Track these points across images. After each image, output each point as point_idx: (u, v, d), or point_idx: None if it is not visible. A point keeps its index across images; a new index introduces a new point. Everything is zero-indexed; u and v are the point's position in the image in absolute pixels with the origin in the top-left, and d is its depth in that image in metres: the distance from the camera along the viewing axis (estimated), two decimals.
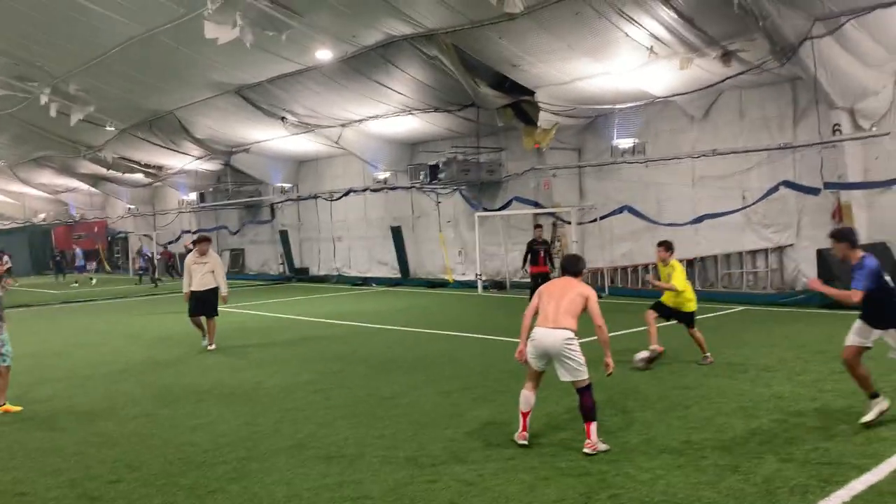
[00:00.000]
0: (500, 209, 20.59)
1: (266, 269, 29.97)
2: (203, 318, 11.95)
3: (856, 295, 6.07)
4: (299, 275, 27.55)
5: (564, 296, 6.02)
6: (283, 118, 21.11)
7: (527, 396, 6.06)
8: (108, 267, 40.37)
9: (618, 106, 16.70)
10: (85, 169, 31.74)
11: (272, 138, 23.60)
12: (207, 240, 12.36)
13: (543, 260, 15.86)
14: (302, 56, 16.75)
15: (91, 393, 9.03)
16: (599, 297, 6.60)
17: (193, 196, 30.72)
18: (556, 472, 5.38)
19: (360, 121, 20.66)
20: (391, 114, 19.73)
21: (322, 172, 26.62)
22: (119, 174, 30.76)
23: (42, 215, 43.30)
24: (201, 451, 6.37)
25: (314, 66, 17.34)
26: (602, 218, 18.43)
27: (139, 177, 30.54)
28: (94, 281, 31.22)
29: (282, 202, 28.20)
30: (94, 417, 7.76)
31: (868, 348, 6.24)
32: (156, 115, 23.01)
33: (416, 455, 5.94)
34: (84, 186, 35.54)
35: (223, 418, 7.47)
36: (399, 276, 23.69)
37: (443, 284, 21.72)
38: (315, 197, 26.44)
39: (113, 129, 24.55)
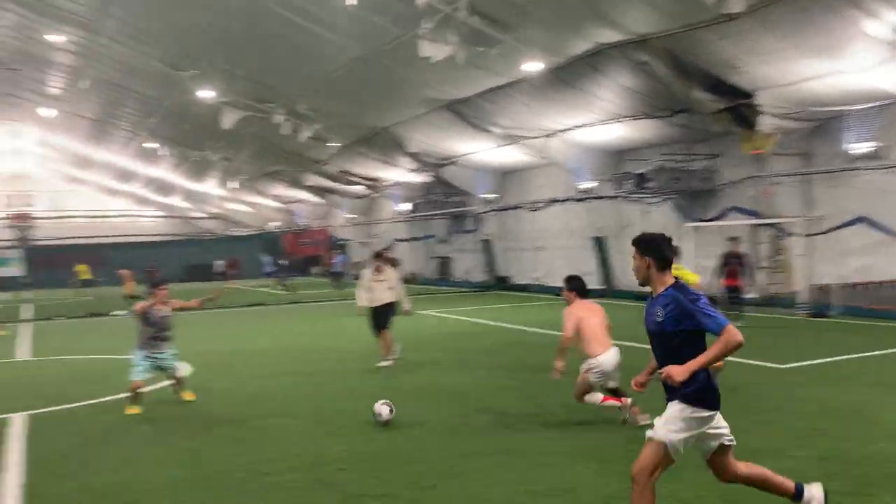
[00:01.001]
0: (713, 219, 19.56)
1: (470, 276, 30.84)
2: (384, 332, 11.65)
3: None
4: (501, 283, 28.05)
5: (599, 316, 7.27)
6: (489, 130, 21.68)
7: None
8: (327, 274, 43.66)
9: (851, 107, 15.24)
10: (311, 181, 34.64)
11: (478, 150, 24.28)
12: (384, 258, 12.23)
13: (737, 274, 14.94)
14: (511, 69, 17.09)
15: (326, 387, 9.87)
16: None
17: (406, 206, 32.43)
18: None
19: (566, 130, 20.64)
20: (597, 122, 19.52)
21: (525, 183, 26.92)
22: (341, 186, 33.24)
23: (274, 223, 47.94)
24: (419, 447, 6.73)
25: (522, 79, 17.62)
26: (832, 230, 16.88)
27: (359, 188, 32.78)
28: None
29: (486, 212, 28.89)
30: (322, 409, 8.47)
31: None
32: (373, 131, 24.60)
33: (628, 469, 5.84)
34: (310, 197, 38.77)
35: (438, 417, 7.82)
36: (602, 287, 23.32)
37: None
38: (517, 207, 26.81)
39: (336, 144, 26.64)
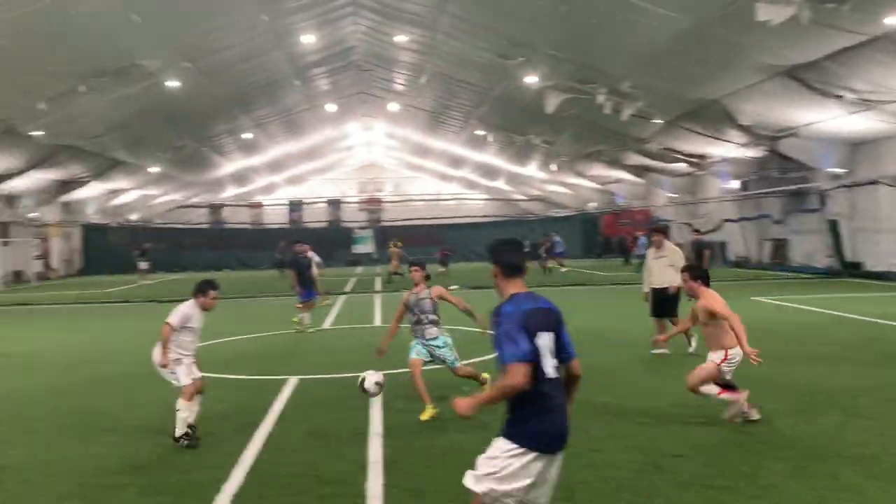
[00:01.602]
0: None
1: (811, 261, 27.82)
2: (664, 320, 10.85)
3: None
4: (851, 269, 24.84)
5: None
6: (838, 96, 19.21)
7: None
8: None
9: None
10: (631, 160, 34.04)
11: (823, 119, 21.67)
12: (661, 231, 11.40)
13: None
14: (868, 25, 14.90)
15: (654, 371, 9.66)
16: None
17: (735, 184, 30.29)
18: None
19: None
20: None
21: (883, 155, 23.41)
22: (662, 164, 32.16)
23: (592, 204, 48.16)
24: (758, 441, 6.24)
25: (883, 35, 15.27)
26: None
27: (681, 166, 31.42)
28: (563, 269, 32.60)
29: (833, 189, 25.75)
30: (656, 395, 8.28)
31: None
32: (700, 104, 23.29)
33: None
34: (629, 177, 38.17)
35: (782, 410, 7.17)
36: None
37: None
38: (874, 183, 23.43)
39: (659, 121, 25.77)
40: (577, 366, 3.76)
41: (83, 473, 5.92)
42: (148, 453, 6.45)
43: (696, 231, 32.59)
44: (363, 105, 38.74)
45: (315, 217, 55.22)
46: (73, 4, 16.08)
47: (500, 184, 52.34)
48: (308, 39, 24.71)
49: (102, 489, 5.56)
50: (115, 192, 42.41)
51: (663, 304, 10.83)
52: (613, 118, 24.33)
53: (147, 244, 37.73)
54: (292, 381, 9.43)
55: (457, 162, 48.66)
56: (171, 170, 39.83)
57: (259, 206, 55.76)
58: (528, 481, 3.48)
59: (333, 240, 49.21)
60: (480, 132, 36.39)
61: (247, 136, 37.09)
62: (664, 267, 10.79)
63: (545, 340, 3.52)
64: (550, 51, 21.47)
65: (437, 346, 7.87)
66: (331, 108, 36.42)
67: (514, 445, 3.50)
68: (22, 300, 24.68)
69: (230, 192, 52.79)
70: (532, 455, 3.48)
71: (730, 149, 26.87)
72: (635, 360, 10.45)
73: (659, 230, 11.39)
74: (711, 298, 6.96)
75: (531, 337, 3.47)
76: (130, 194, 44.34)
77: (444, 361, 7.91)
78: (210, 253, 45.98)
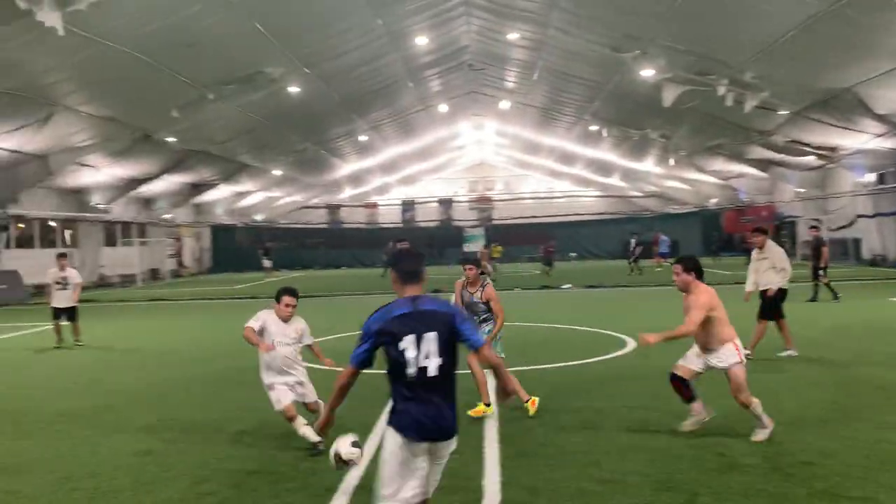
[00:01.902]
0: None
1: None
2: (767, 324, 10.44)
3: None
4: None
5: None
6: None
7: None
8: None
9: None
10: (754, 154, 32.50)
11: None
12: (763, 231, 10.91)
13: None
14: None
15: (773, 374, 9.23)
16: None
17: (870, 177, 28.34)
18: None
19: None
20: None
21: None
22: (788, 157, 30.53)
23: (713, 200, 46.33)
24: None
25: None
26: None
27: (809, 159, 29.72)
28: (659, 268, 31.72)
29: None
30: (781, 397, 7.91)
31: None
32: (831, 93, 21.95)
33: None
34: (752, 171, 36.47)
35: None
36: None
37: None
38: None
39: (785, 112, 24.46)
40: (485, 354, 4.14)
41: (221, 459, 6.28)
42: (279, 442, 6.76)
43: (814, 227, 30.69)
44: (474, 104, 38.95)
45: (427, 216, 56.09)
46: (203, 17, 17.07)
47: (614, 180, 51.27)
48: (421, 41, 25.12)
49: (236, 473, 5.88)
50: (241, 195, 44.72)
51: (767, 305, 10.52)
52: (735, 110, 23.31)
53: (270, 243, 39.52)
54: None
55: (568, 158, 48.07)
56: (292, 172, 41.55)
57: (374, 206, 57.20)
58: (399, 466, 3.82)
59: (445, 238, 49.79)
60: (594, 127, 35.79)
61: (362, 138, 38.13)
62: (766, 269, 10.52)
63: (409, 343, 3.80)
64: (667, 42, 20.83)
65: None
66: (443, 108, 36.86)
67: (392, 431, 3.85)
68: (158, 296, 26.44)
69: (347, 192, 54.45)
70: (403, 440, 3.81)
71: (864, 140, 25.16)
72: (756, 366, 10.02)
73: (760, 230, 11.03)
74: (701, 294, 6.46)
75: (379, 342, 3.88)
76: (255, 196, 46.61)
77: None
78: (328, 252, 47.67)
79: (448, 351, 3.87)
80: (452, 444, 3.98)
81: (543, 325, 14.70)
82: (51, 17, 14.21)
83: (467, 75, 32.45)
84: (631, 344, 11.84)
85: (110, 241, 36.26)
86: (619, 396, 8.20)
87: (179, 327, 16.90)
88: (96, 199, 32.40)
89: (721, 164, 37.54)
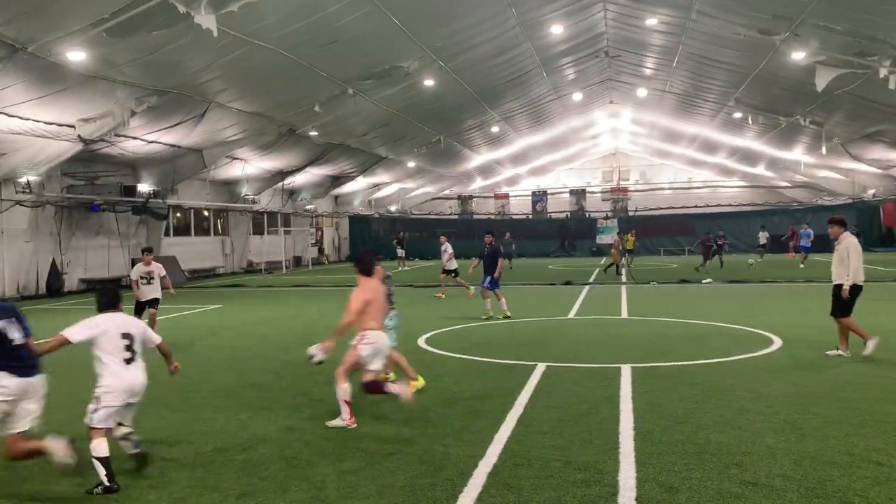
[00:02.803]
0: None
1: None
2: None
3: None
4: None
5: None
6: None
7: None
8: None
9: None
10: None
11: None
12: (837, 222, 10.20)
13: None
14: None
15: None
16: None
17: None
18: None
19: None
20: None
21: None
22: None
23: (871, 191, 42.91)
24: None
25: None
26: None
27: None
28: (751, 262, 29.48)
29: None
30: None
31: None
32: None
33: None
34: None
35: None
36: None
37: None
38: None
39: None
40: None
41: (361, 440, 6.55)
42: (412, 427, 6.95)
43: None
44: (610, 92, 38.07)
45: (558, 207, 55.47)
46: (342, 14, 17.69)
47: (759, 170, 48.54)
48: (556, 30, 24.81)
49: (374, 454, 6.11)
50: (377, 186, 46.13)
51: (837, 300, 10.08)
52: None
53: (403, 233, 40.52)
54: (540, 368, 9.62)
55: (710, 147, 45.96)
56: (425, 164, 42.36)
57: (505, 196, 57.26)
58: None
59: (577, 230, 49.09)
60: (738, 115, 34.02)
61: (494, 129, 38.24)
62: (835, 262, 10.08)
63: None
64: (820, 22, 19.43)
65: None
66: (577, 97, 36.30)
67: None
68: (300, 282, 27.79)
69: (477, 183, 54.81)
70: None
71: None
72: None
73: (834, 221, 10.32)
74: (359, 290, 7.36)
75: None
76: (390, 187, 47.92)
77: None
78: (459, 242, 48.20)
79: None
80: None
81: (683, 321, 14.21)
82: (206, 19, 15.23)
83: (603, 63, 31.74)
84: (777, 342, 11.23)
85: (258, 230, 38.49)
86: (764, 396, 7.80)
87: (320, 311, 17.69)
88: (246, 191, 34.47)
89: (881, 153, 34.65)
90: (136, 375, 5.83)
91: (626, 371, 9.31)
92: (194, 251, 32.84)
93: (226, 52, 18.02)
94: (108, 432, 5.65)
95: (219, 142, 26.61)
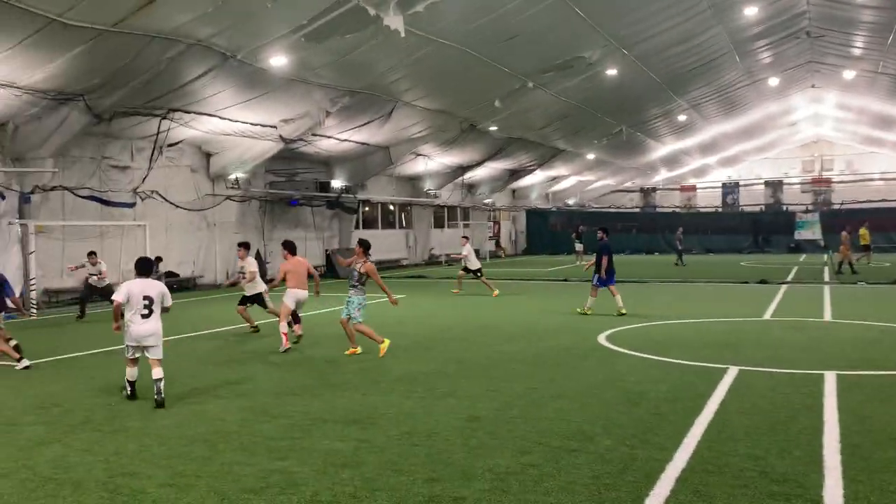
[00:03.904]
0: None
1: None
2: None
3: None
4: None
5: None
6: None
7: None
8: None
9: None
10: None
11: None
12: None
13: None
14: None
15: None
16: None
17: None
18: None
19: None
20: None
21: None
22: None
23: None
24: None
25: None
26: None
27: None
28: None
29: None
30: None
31: None
32: None
33: None
34: None
35: None
36: None
37: None
38: None
39: None
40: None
41: (543, 435, 6.53)
42: (595, 425, 6.83)
43: None
44: (812, 76, 35.09)
45: (752, 200, 52.03)
46: (524, 8, 17.69)
47: None
48: (750, 11, 23.25)
49: (556, 450, 6.07)
50: (554, 179, 45.82)
51: None
52: None
53: (582, 227, 39.92)
54: (732, 371, 9.08)
55: None
56: (605, 156, 41.44)
57: (692, 189, 54.68)
58: None
59: (772, 224, 45.87)
60: None
61: (681, 118, 36.62)
62: None
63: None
64: None
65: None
66: (773, 81, 33.83)
67: None
68: None
69: (661, 175, 52.76)
70: None
71: None
72: None
73: None
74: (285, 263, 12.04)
75: None
76: (568, 180, 47.41)
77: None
78: (640, 236, 46.69)
79: None
80: None
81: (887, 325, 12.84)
82: (394, 20, 15.88)
83: (804, 44, 29.29)
84: None
85: (439, 224, 39.63)
86: None
87: (496, 303, 17.88)
88: (428, 186, 35.59)
89: None
90: (147, 325, 7.92)
91: (830, 378, 8.56)
92: (381, 243, 34.41)
93: (412, 51, 18.66)
94: (132, 363, 8.08)
95: (404, 139, 27.65)
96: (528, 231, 48.89)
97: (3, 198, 17.59)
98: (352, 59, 18.49)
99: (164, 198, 22.12)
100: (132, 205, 21.14)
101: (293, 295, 11.81)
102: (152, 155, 20.86)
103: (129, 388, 8.13)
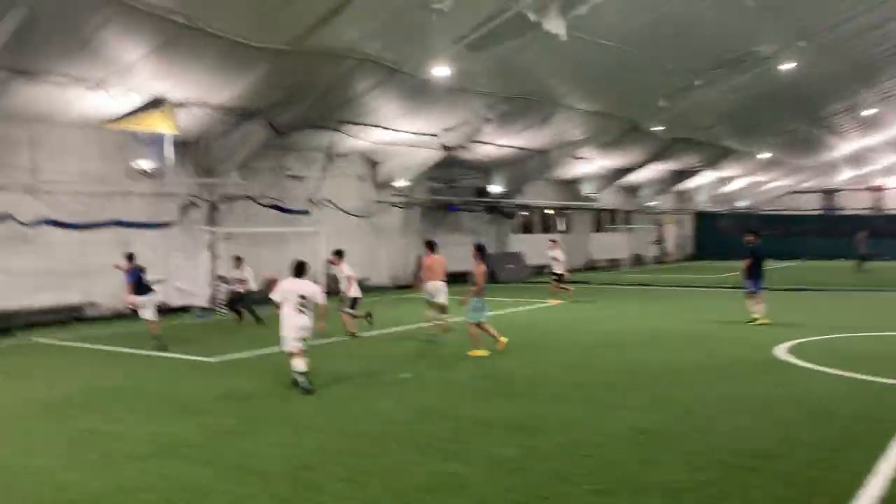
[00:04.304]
0: None
1: None
2: None
3: None
4: None
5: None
6: None
7: None
8: None
9: None
10: None
11: None
12: None
13: None
14: None
15: None
16: None
17: None
18: None
19: None
20: None
21: None
22: None
23: None
24: None
25: None
26: None
27: None
28: None
29: None
30: None
31: None
32: None
33: None
34: None
35: None
36: None
37: None
38: None
39: None
40: None
41: (716, 451, 6.23)
42: (776, 443, 6.42)
43: None
44: None
45: None
46: (691, 4, 16.98)
47: None
48: None
49: (733, 468, 5.76)
50: (724, 180, 43.54)
51: None
52: None
53: (756, 231, 37.57)
54: None
55: None
56: (780, 155, 38.86)
57: (880, 189, 49.96)
58: None
59: None
60: None
61: (868, 112, 33.58)
62: None
63: None
64: None
65: None
66: None
67: None
68: (642, 281, 27.41)
69: (844, 175, 48.65)
70: None
71: None
72: None
73: None
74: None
75: None
76: (739, 181, 44.88)
77: None
78: (820, 241, 43.26)
79: None
80: None
81: None
82: (555, 25, 15.80)
83: None
84: None
85: (598, 228, 38.87)
86: None
87: (663, 311, 17.24)
88: (586, 189, 35.03)
89: None
90: (305, 319, 8.76)
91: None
92: (539, 248, 34.29)
93: (572, 54, 18.46)
94: (299, 353, 8.73)
95: (563, 142, 27.40)
96: (697, 235, 46.77)
97: (197, 206, 19.33)
98: (511, 66, 18.60)
99: (335, 205, 23.32)
100: (307, 212, 22.48)
101: (428, 288, 12.81)
102: (324, 165, 22.10)
103: (302, 380, 8.71)
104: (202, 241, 19.09)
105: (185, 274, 18.06)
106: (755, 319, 14.33)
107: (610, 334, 13.68)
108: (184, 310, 17.38)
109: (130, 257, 13.36)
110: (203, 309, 18.00)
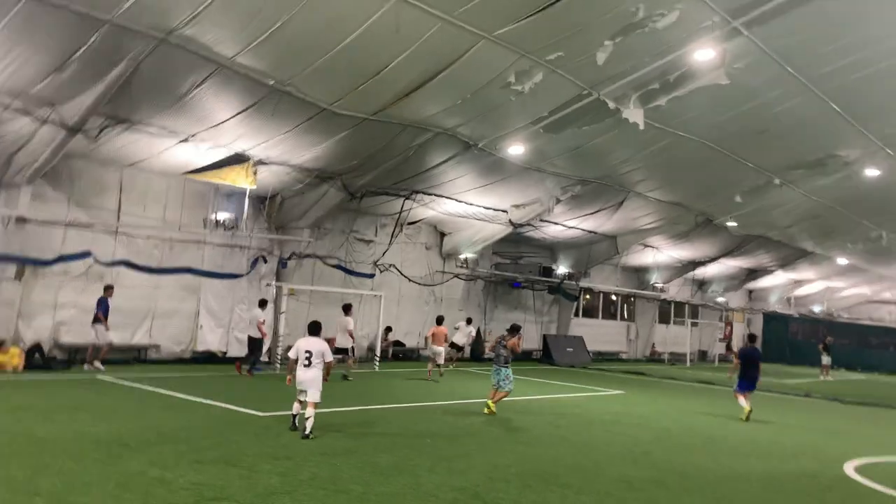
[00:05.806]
0: None
1: None
2: None
3: None
4: None
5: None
6: None
7: None
8: None
9: None
10: None
11: None
12: None
13: None
14: None
15: None
16: None
17: None
18: None
19: None
20: None
21: None
22: None
23: None
24: None
25: None
26: None
27: None
28: None
29: None
30: None
31: None
32: None
33: None
34: None
35: None
36: None
37: None
38: None
39: None
40: None
41: None
42: None
43: None
44: None
45: None
46: (778, 102, 16.82)
47: None
48: None
49: None
50: (798, 282, 42.19)
51: None
52: None
53: (829, 338, 36.08)
54: None
55: None
56: (861, 261, 37.51)
57: None
58: None
59: None
60: None
61: None
62: None
63: None
64: None
65: None
66: None
67: None
68: (706, 378, 26.42)
69: None
70: None
71: None
72: None
73: None
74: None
75: None
76: (814, 285, 43.42)
77: None
78: None
79: None
80: None
81: None
82: (634, 114, 15.90)
83: None
84: None
85: (664, 319, 37.97)
86: None
87: (726, 412, 16.51)
88: (654, 278, 34.44)
89: None
90: (307, 374, 9.77)
91: None
92: (600, 333, 33.68)
93: (649, 143, 18.46)
94: (299, 403, 9.99)
95: (633, 229, 27.17)
96: (765, 336, 45.16)
97: (266, 261, 19.81)
98: (586, 149, 18.70)
99: (399, 271, 23.55)
100: (372, 276, 22.75)
101: (434, 349, 18.23)
102: (394, 231, 22.46)
103: (293, 420, 10.08)
104: (268, 296, 19.48)
105: (247, 326, 18.37)
106: None
107: (664, 430, 13.15)
108: (242, 360, 17.61)
109: (109, 289, 16.11)
110: (262, 362, 18.22)
